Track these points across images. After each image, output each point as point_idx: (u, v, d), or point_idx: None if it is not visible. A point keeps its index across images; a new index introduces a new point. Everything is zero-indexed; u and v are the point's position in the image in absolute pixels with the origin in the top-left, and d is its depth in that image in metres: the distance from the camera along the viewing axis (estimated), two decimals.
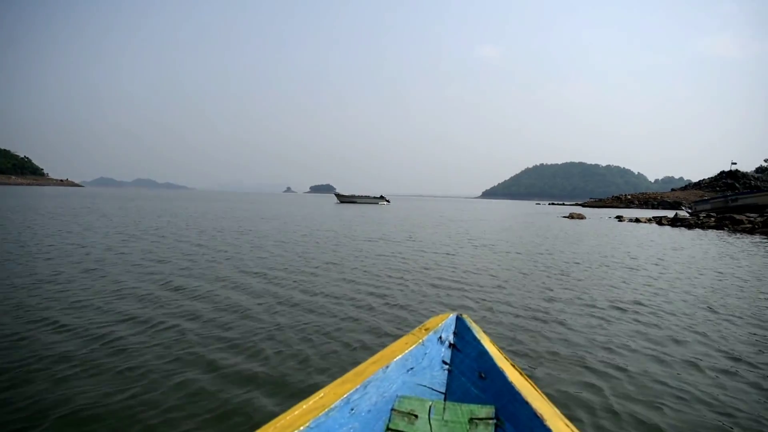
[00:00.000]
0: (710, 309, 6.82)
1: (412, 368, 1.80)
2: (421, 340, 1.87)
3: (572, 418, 3.21)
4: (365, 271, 8.98)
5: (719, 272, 10.59)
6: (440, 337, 1.94)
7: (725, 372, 4.38)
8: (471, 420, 1.60)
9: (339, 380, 1.65)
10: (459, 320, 2.01)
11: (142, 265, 8.69)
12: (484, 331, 1.97)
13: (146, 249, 10.91)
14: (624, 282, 8.90)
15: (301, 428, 1.38)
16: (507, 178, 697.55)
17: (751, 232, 25.74)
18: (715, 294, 7.97)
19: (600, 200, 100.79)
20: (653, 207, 78.73)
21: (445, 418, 1.63)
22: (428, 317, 4.10)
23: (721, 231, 27.06)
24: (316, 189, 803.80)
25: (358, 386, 1.60)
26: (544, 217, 40.70)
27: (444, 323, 1.98)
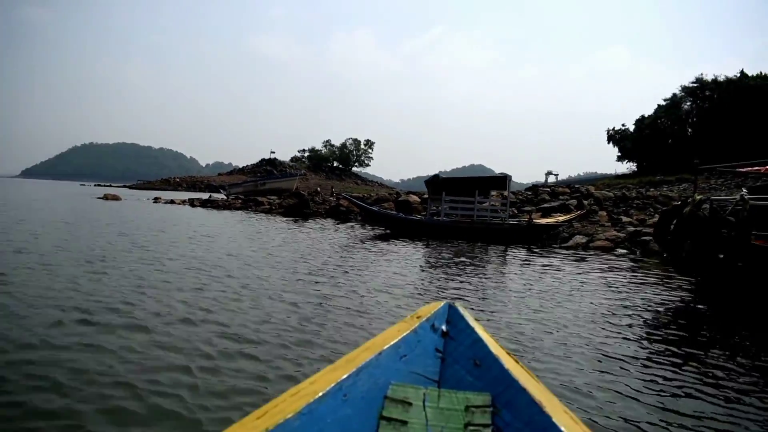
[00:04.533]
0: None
1: (405, 356, 1.73)
2: (413, 328, 1.81)
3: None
4: None
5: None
6: (433, 325, 1.88)
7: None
8: (467, 408, 1.53)
9: (330, 367, 1.57)
10: (451, 308, 1.95)
11: None
12: (477, 320, 1.90)
13: None
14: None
15: (294, 414, 1.28)
16: (51, 156, 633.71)
17: (269, 212, 28.04)
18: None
19: (149, 182, 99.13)
20: (200, 190, 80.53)
21: (440, 405, 1.55)
22: None
23: (246, 211, 28.87)
24: None
25: (350, 373, 1.51)
26: (76, 197, 37.40)
27: (436, 311, 1.92)
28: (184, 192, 69.72)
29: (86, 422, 3.22)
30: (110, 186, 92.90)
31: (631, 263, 12.55)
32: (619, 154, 64.00)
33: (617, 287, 8.81)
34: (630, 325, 6.17)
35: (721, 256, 6.96)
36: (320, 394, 1.39)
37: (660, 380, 4.37)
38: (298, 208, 26.90)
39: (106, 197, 36.46)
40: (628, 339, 5.59)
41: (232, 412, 3.42)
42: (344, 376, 1.49)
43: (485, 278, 9.47)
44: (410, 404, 1.56)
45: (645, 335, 5.83)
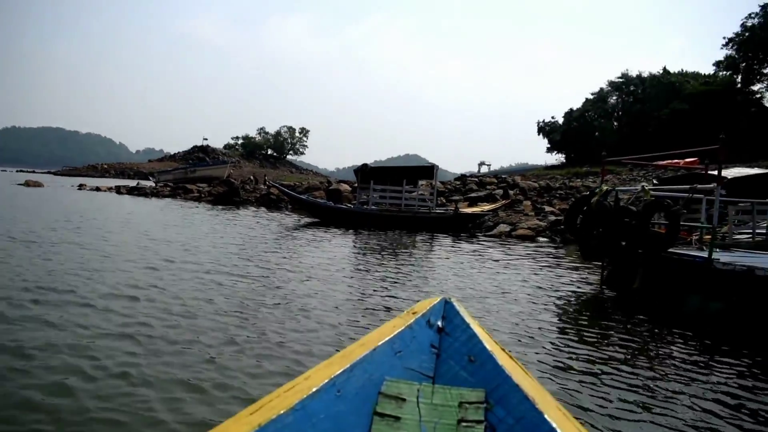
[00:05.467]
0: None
1: (400, 351, 1.73)
2: (408, 324, 1.81)
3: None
4: None
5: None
6: (428, 321, 1.88)
7: None
8: (461, 404, 1.53)
9: (325, 362, 1.58)
10: (447, 304, 1.95)
11: None
12: (473, 316, 1.91)
13: None
14: None
15: (287, 409, 1.29)
16: None
17: (198, 200, 27.51)
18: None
19: (75, 168, 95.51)
20: (129, 177, 78.03)
21: (434, 401, 1.56)
22: None
23: (174, 198, 28.24)
24: None
25: (344, 368, 1.51)
26: None
27: (432, 307, 1.92)
28: (112, 179, 67.34)
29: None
30: (33, 172, 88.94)
31: (550, 250, 13.03)
32: (549, 145, 65.85)
33: (534, 272, 9.28)
34: (544, 305, 6.72)
35: (624, 243, 7.29)
36: (314, 389, 1.39)
37: (565, 348, 4.98)
38: (228, 196, 26.50)
39: (27, 183, 34.94)
40: (542, 316, 6.15)
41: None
42: (338, 372, 1.49)
43: (411, 265, 9.68)
44: (404, 400, 1.56)
45: (556, 313, 6.46)
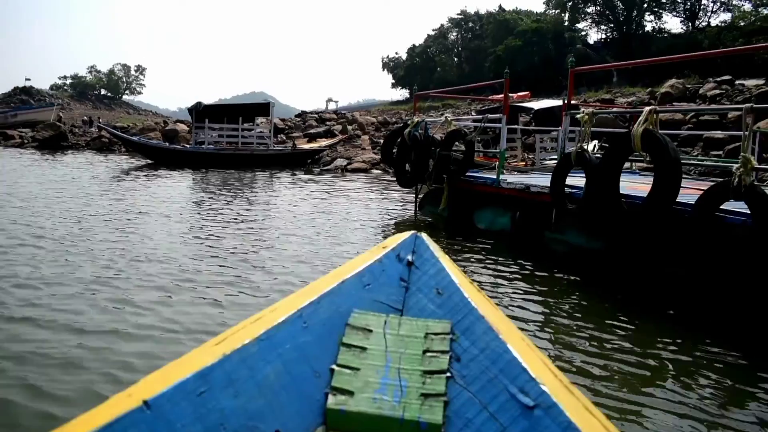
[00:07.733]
0: None
1: (368, 285, 1.77)
2: (378, 257, 1.84)
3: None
4: None
5: None
6: (398, 255, 1.90)
7: None
8: (427, 335, 1.57)
9: (293, 295, 1.59)
10: (417, 238, 1.97)
11: None
12: (443, 250, 1.92)
13: None
14: None
15: (251, 339, 1.32)
16: None
17: (20, 146, 25.40)
18: None
19: None
20: None
21: (400, 332, 1.59)
22: None
23: None
24: None
25: (311, 300, 1.55)
26: None
27: (402, 241, 1.94)
28: None
29: None
30: None
31: (381, 181, 13.77)
32: (393, 81, 67.22)
33: (361, 201, 9.95)
34: (363, 231, 7.45)
35: (431, 169, 8.01)
36: (279, 320, 1.42)
37: None
38: (55, 141, 24.71)
39: None
40: (360, 243, 6.74)
41: None
42: (305, 304, 1.52)
43: (248, 201, 9.88)
44: (371, 331, 1.59)
45: (374, 236, 7.20)
